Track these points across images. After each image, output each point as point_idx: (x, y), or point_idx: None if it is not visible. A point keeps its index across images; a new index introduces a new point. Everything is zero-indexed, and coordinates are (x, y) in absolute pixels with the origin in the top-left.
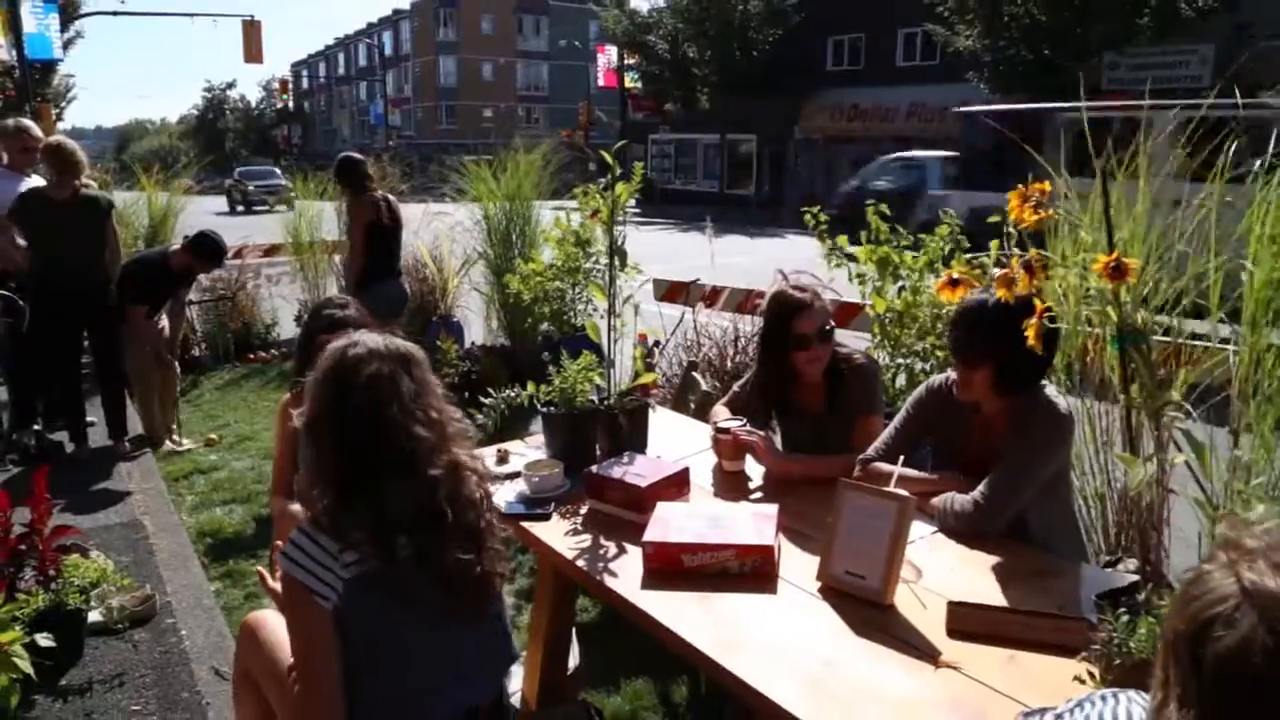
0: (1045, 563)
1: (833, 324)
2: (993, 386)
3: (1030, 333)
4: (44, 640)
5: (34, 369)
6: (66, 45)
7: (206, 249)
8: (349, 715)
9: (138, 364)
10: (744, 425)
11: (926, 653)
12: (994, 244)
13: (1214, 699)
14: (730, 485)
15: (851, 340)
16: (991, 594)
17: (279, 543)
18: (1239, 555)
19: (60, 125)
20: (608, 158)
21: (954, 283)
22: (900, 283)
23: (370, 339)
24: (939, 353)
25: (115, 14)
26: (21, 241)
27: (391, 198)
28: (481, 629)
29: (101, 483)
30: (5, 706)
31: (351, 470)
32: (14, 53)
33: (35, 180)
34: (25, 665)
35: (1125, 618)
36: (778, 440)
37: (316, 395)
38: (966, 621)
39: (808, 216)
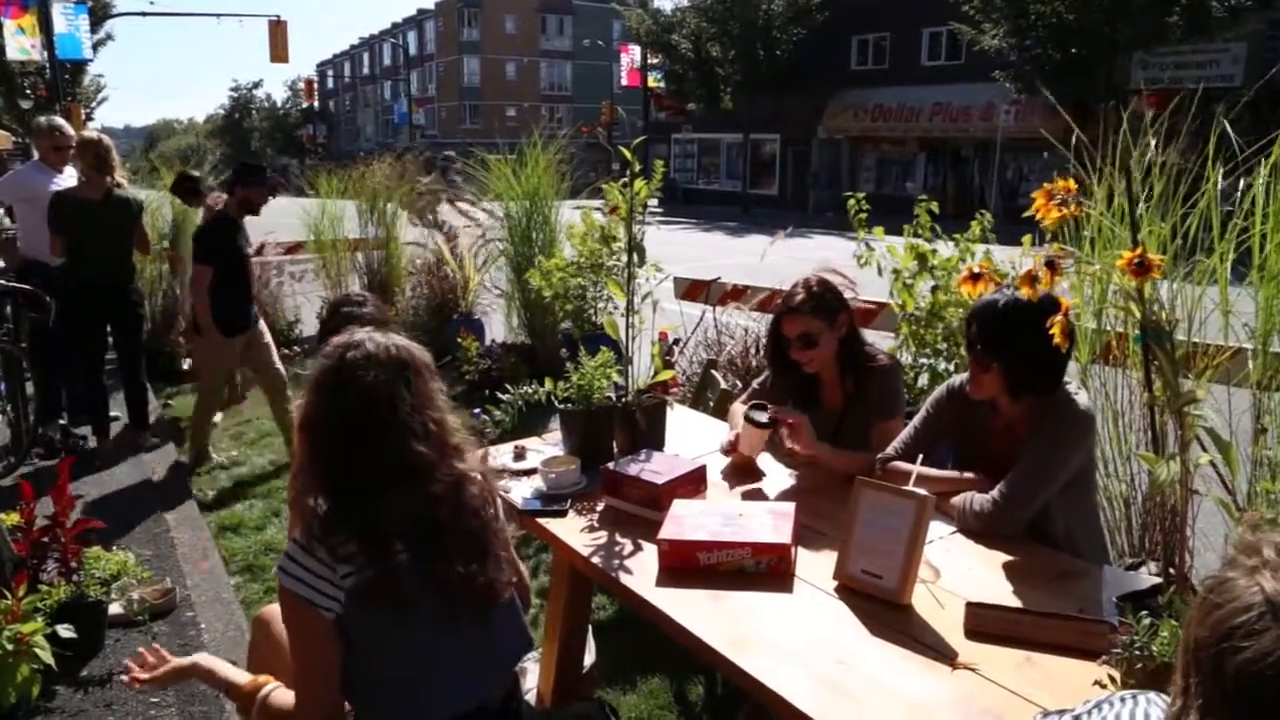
0: (1066, 564)
1: (815, 333)
2: (1004, 387)
3: (1055, 330)
4: (65, 631)
5: (59, 364)
6: (96, 46)
7: (244, 172)
8: (354, 715)
9: (205, 379)
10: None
11: (943, 653)
12: (1026, 239)
13: (1237, 709)
14: (746, 480)
15: (876, 340)
16: (1010, 595)
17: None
18: (1260, 562)
19: (90, 125)
20: (627, 154)
21: (975, 277)
22: (933, 282)
23: (373, 341)
24: (963, 353)
25: (144, 14)
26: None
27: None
28: (490, 629)
29: (124, 477)
30: (26, 696)
31: (343, 477)
32: (45, 53)
33: (69, 175)
34: (46, 656)
35: (1147, 620)
36: None
37: (311, 396)
38: (984, 622)
39: (850, 202)
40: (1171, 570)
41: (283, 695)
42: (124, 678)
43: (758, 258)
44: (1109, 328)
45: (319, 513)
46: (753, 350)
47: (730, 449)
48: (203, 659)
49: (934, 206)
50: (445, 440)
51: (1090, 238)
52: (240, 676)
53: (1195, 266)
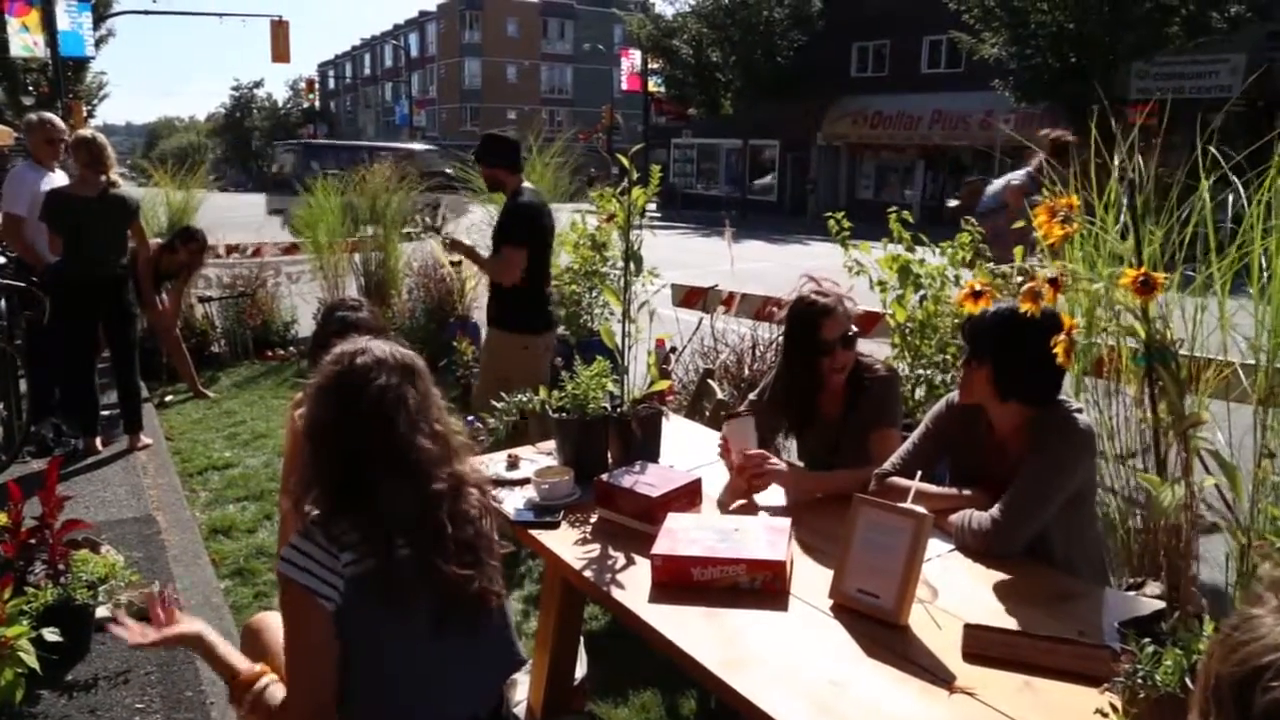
0: (1066, 585)
1: (855, 329)
2: (992, 391)
3: (1059, 350)
4: (51, 635)
5: (52, 362)
6: (99, 43)
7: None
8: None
9: None
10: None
11: (940, 676)
12: (1018, 251)
13: None
14: (742, 494)
15: (871, 349)
16: (1009, 617)
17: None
18: None
19: (92, 122)
20: (624, 161)
21: (976, 294)
22: (921, 292)
23: (377, 346)
24: (958, 365)
25: (147, 13)
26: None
27: None
28: (481, 638)
29: (116, 477)
30: (9, 701)
31: (351, 479)
32: (48, 50)
33: (59, 174)
34: (31, 660)
35: (1150, 648)
36: (794, 454)
37: (320, 401)
38: (983, 645)
39: (831, 222)
40: (1174, 593)
41: (279, 690)
42: (118, 630)
43: (756, 263)
44: (1098, 341)
45: (320, 513)
46: (748, 359)
47: (724, 452)
48: (207, 632)
49: (908, 215)
50: (448, 441)
51: (1068, 260)
52: (241, 662)
53: (1191, 279)
